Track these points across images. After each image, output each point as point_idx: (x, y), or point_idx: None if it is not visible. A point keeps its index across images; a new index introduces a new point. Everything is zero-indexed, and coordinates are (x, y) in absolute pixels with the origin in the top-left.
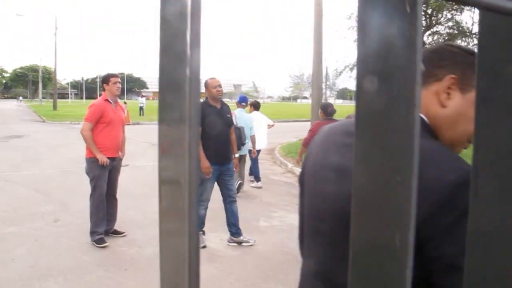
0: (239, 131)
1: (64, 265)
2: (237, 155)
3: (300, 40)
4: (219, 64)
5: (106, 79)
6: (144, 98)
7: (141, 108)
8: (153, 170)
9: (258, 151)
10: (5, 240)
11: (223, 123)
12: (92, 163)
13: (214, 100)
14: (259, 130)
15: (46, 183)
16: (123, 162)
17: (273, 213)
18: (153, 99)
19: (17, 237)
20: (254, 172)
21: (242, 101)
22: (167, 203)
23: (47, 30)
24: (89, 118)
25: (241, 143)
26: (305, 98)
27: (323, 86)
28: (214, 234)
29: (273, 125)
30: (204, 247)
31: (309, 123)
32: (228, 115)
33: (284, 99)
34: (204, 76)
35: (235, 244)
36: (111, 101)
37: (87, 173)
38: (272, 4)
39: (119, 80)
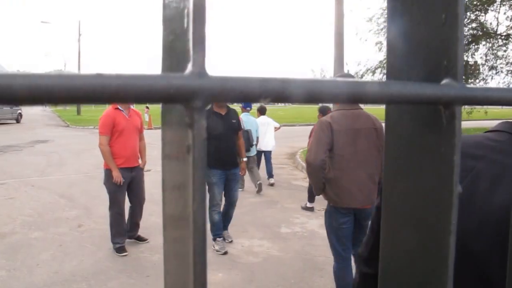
0: (247, 134)
1: (87, 270)
2: (245, 159)
3: (322, 42)
4: (240, 66)
5: None
6: None
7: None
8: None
9: (269, 152)
10: (31, 245)
11: (227, 129)
12: (109, 175)
13: (218, 107)
14: (267, 132)
15: (69, 188)
16: (146, 167)
17: (294, 219)
18: None
19: (42, 242)
20: (267, 169)
21: (247, 106)
22: (172, 209)
23: (71, 35)
24: (102, 131)
25: (249, 145)
26: None
27: None
28: (235, 240)
29: (279, 128)
30: (225, 253)
31: None
32: (234, 121)
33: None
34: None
35: (224, 246)
36: (122, 109)
37: (104, 184)
38: (295, 7)
39: None
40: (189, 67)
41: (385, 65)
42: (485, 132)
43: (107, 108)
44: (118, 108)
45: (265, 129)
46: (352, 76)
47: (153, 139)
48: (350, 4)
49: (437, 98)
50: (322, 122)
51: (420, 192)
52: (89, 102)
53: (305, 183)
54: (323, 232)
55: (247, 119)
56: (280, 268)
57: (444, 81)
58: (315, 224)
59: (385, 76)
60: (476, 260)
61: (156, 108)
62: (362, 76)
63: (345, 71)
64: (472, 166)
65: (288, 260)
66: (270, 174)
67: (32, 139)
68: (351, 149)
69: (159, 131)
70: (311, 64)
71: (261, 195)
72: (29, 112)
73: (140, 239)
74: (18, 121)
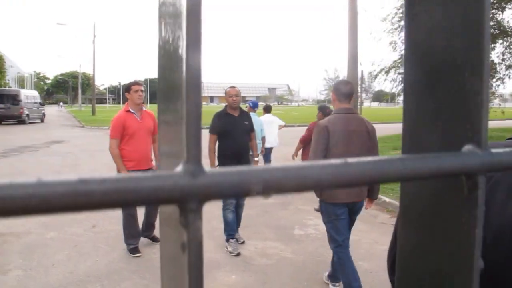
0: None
1: (101, 271)
2: (256, 159)
3: (335, 42)
4: (253, 67)
5: (127, 88)
6: None
7: None
8: None
9: (271, 148)
10: (47, 245)
11: (240, 130)
12: None
13: (232, 109)
14: (270, 130)
15: None
16: None
17: (308, 221)
18: None
19: (57, 243)
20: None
21: (254, 107)
22: (167, 209)
23: (86, 37)
24: (112, 135)
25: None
26: None
27: (359, 89)
28: (249, 242)
29: (284, 125)
30: (238, 254)
31: None
32: (246, 122)
33: (319, 102)
34: (239, 80)
35: (237, 248)
36: (133, 111)
37: None
38: (308, 7)
39: (141, 88)
40: (181, 166)
41: (399, 64)
42: (507, 139)
43: (120, 110)
44: (129, 111)
45: (270, 127)
46: (350, 84)
47: None
48: (364, 3)
49: (459, 169)
50: (320, 126)
51: (437, 271)
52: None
53: None
54: None
55: (253, 119)
56: (294, 270)
57: (466, 148)
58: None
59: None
60: (491, 270)
61: None
62: (376, 76)
63: (359, 71)
64: (491, 175)
65: (301, 262)
66: None
67: (47, 140)
68: (344, 149)
69: None
70: (324, 64)
71: (274, 196)
72: (46, 112)
73: (155, 240)
74: (42, 120)
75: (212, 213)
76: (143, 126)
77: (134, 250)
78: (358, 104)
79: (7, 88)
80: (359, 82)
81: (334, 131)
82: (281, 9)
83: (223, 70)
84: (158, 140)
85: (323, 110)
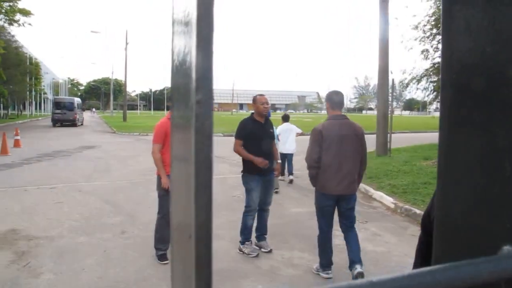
0: None
1: (130, 277)
2: (279, 161)
3: (366, 50)
4: (283, 75)
5: (169, 99)
6: None
7: None
8: (218, 183)
9: (291, 154)
10: (77, 250)
11: (266, 136)
12: (160, 181)
13: (259, 116)
14: (289, 137)
15: (114, 194)
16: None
17: (336, 232)
18: (219, 110)
19: (87, 247)
20: (288, 169)
21: (268, 115)
22: (178, 209)
23: (119, 44)
24: (155, 140)
25: None
26: (371, 109)
27: (389, 97)
28: (276, 251)
29: (301, 133)
30: (257, 256)
31: (375, 136)
32: (271, 130)
33: (349, 110)
34: (268, 88)
35: (257, 247)
36: None
37: (156, 189)
38: (339, 15)
39: None
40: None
41: (431, 73)
42: None
43: (163, 117)
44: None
45: (288, 135)
46: (341, 94)
47: None
48: (395, 11)
49: (497, 276)
50: (315, 130)
51: None
52: None
53: None
54: (366, 245)
55: None
56: (321, 281)
57: (505, 249)
58: (358, 237)
59: (431, 85)
60: None
61: None
62: (407, 84)
63: (390, 79)
64: None
65: None
66: (290, 173)
67: (80, 145)
68: (336, 150)
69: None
70: (355, 72)
71: (303, 205)
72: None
73: None
74: (82, 123)
75: (237, 222)
76: None
77: (162, 257)
78: (389, 112)
79: (64, 97)
80: (390, 91)
81: (328, 135)
82: (312, 17)
83: (252, 78)
84: (170, 144)
85: (284, 118)
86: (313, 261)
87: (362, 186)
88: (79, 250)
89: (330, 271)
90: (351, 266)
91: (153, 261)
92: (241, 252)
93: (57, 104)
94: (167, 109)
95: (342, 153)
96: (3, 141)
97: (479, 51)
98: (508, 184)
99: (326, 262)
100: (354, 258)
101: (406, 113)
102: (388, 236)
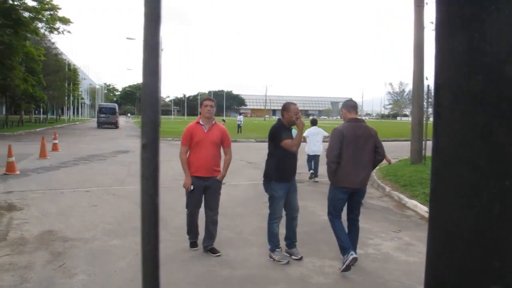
0: None
1: (160, 281)
2: None
3: (400, 56)
4: (316, 80)
5: (200, 103)
6: (242, 116)
7: (238, 126)
8: (250, 189)
9: (317, 156)
10: (110, 252)
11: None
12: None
13: (289, 124)
14: (316, 139)
15: None
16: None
17: (368, 240)
18: (251, 116)
19: (120, 250)
20: (314, 170)
21: None
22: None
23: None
24: (182, 142)
25: None
26: (405, 115)
27: (424, 104)
28: (307, 259)
29: (328, 136)
30: (287, 263)
31: (409, 143)
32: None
33: (383, 116)
34: (301, 94)
35: (287, 254)
36: (202, 123)
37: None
38: (372, 21)
39: (210, 103)
40: None
41: None
42: None
43: (192, 121)
44: (199, 123)
45: (315, 138)
46: (354, 101)
47: None
48: (430, 15)
49: None
50: (337, 129)
51: None
52: None
53: (382, 202)
54: (399, 255)
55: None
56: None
57: None
58: (390, 246)
59: None
60: None
61: (233, 120)
62: None
63: (425, 85)
64: None
65: (359, 284)
66: (315, 174)
67: (114, 149)
68: (354, 148)
69: (233, 144)
70: (389, 77)
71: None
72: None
73: (214, 252)
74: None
75: (263, 228)
76: (208, 137)
77: (192, 244)
78: (424, 119)
79: (107, 103)
80: (425, 97)
81: (348, 135)
82: (346, 23)
83: (285, 83)
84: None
85: (312, 122)
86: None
87: (395, 194)
88: (112, 252)
89: (352, 252)
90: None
91: (183, 266)
92: (271, 259)
93: (101, 110)
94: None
95: (359, 151)
96: (42, 145)
97: (468, 54)
98: (496, 223)
99: (346, 245)
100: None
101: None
102: (422, 246)
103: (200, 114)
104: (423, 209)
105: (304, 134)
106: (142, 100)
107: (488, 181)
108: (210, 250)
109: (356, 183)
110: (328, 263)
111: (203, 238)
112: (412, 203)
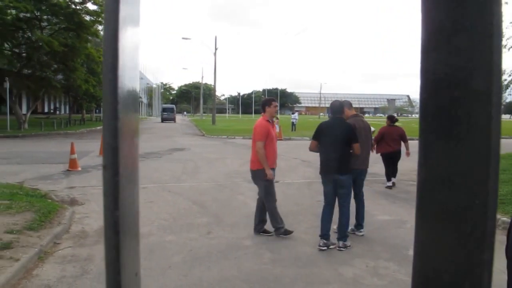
0: None
1: (214, 277)
2: None
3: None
4: (371, 77)
5: (268, 102)
6: (296, 114)
7: (293, 124)
8: (304, 188)
9: None
10: (165, 248)
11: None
12: (262, 174)
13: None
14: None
15: (202, 196)
16: (275, 179)
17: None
18: (306, 113)
19: (174, 246)
20: None
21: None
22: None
23: (208, 50)
24: (260, 138)
25: None
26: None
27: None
28: (360, 259)
29: (374, 131)
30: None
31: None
32: None
33: None
34: (356, 91)
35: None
36: (270, 121)
37: (256, 182)
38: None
39: (276, 103)
40: None
41: None
42: None
43: (260, 120)
44: (268, 120)
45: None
46: (349, 101)
47: (282, 151)
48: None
49: None
50: (351, 124)
51: None
52: None
53: None
54: None
55: None
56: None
57: None
58: None
59: None
60: None
61: (286, 118)
62: (507, 86)
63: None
64: None
65: None
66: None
67: (170, 147)
68: (362, 138)
69: (288, 142)
70: None
71: (391, 213)
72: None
73: (266, 232)
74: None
75: (317, 227)
76: (274, 132)
77: (286, 232)
78: None
79: (168, 105)
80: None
81: (357, 128)
82: (402, 16)
83: (339, 81)
84: None
85: (391, 119)
86: (399, 272)
87: None
88: (167, 248)
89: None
90: (357, 226)
91: (236, 263)
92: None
93: (164, 109)
94: (255, 113)
95: (364, 140)
96: (102, 143)
97: (448, 67)
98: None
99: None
100: (361, 221)
101: (507, 116)
102: (496, 251)
103: (264, 112)
104: None
105: None
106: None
107: None
108: (263, 231)
109: (365, 165)
110: (383, 264)
111: (255, 223)
112: None
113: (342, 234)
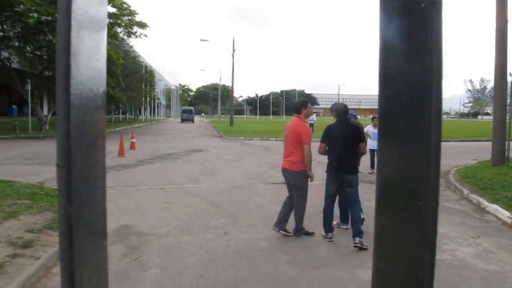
0: None
1: (229, 278)
2: None
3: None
4: None
5: (305, 104)
6: (314, 115)
7: (311, 125)
8: (320, 189)
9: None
10: (181, 248)
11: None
12: (304, 176)
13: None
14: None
15: (219, 197)
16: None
17: (443, 245)
18: (323, 115)
19: (191, 246)
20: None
21: (352, 116)
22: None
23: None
24: (309, 141)
25: None
26: (487, 114)
27: (508, 102)
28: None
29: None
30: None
31: (490, 143)
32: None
33: (462, 115)
34: (373, 92)
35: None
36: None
37: (297, 182)
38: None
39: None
40: None
41: None
42: None
43: (301, 123)
44: (304, 121)
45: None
46: (345, 106)
47: None
48: None
49: None
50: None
51: None
52: None
53: (459, 206)
54: (476, 262)
55: None
56: None
57: None
58: (467, 252)
59: None
60: None
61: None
62: None
63: (509, 82)
64: None
65: None
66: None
67: (188, 148)
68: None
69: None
70: (468, 74)
71: None
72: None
73: (285, 231)
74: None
75: (337, 229)
76: None
77: (308, 232)
78: (507, 118)
79: (187, 106)
80: (509, 93)
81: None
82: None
83: (357, 82)
84: None
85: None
86: None
87: (474, 197)
88: (184, 248)
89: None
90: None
91: (252, 264)
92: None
93: (184, 111)
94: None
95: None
96: (121, 144)
97: (404, 72)
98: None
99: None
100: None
101: None
102: (503, 254)
103: (300, 114)
104: (506, 215)
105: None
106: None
107: None
108: (284, 230)
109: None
110: None
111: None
112: (493, 207)
113: (357, 230)
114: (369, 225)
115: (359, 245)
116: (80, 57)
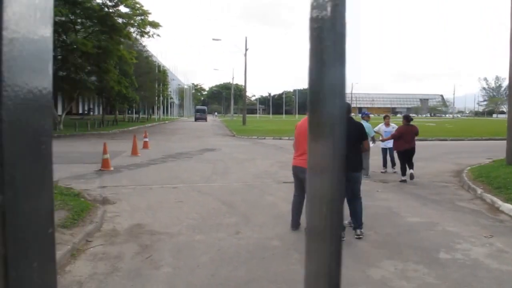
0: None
1: (241, 277)
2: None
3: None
4: (404, 77)
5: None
6: None
7: None
8: None
9: (391, 148)
10: (193, 247)
11: None
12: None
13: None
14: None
15: (231, 196)
16: None
17: (456, 245)
18: None
19: (203, 245)
20: (392, 160)
21: (365, 115)
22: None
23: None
24: None
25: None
26: (502, 113)
27: None
28: (389, 261)
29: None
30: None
31: (505, 142)
32: None
33: (477, 114)
34: (388, 91)
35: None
36: None
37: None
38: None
39: None
40: None
41: None
42: None
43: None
44: None
45: (390, 133)
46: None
47: None
48: None
49: None
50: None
51: None
52: None
53: (472, 205)
54: (490, 262)
55: (365, 125)
56: None
57: None
58: (481, 252)
59: None
60: None
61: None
62: None
63: None
64: None
65: None
66: (393, 163)
67: (201, 147)
68: None
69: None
70: (483, 72)
71: (421, 215)
72: (201, 121)
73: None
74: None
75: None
76: None
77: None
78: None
79: (201, 106)
80: None
81: None
82: (437, 14)
83: (371, 80)
84: None
85: (407, 118)
86: (428, 275)
87: (488, 196)
88: (195, 247)
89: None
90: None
91: (264, 263)
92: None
93: (197, 110)
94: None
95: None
96: (134, 143)
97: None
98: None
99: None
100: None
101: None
102: None
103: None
104: None
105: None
106: None
107: None
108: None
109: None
110: (412, 267)
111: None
112: (507, 207)
113: (359, 222)
114: (385, 225)
115: (361, 236)
116: (18, 58)
